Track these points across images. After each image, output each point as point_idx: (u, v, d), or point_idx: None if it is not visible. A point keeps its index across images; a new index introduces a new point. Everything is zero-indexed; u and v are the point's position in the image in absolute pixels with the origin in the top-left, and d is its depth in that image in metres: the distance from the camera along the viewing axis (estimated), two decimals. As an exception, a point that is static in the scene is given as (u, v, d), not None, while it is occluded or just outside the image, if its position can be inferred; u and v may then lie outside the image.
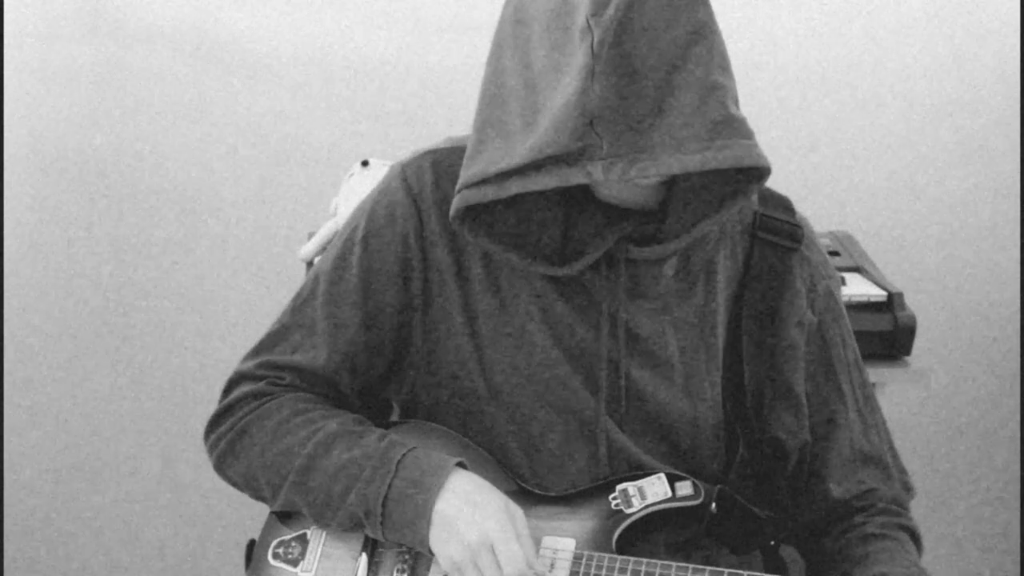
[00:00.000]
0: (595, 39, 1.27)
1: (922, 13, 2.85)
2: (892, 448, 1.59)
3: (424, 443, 1.46)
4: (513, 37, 1.37)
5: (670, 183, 1.44)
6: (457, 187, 1.38)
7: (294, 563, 1.47)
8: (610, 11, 1.28)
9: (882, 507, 1.54)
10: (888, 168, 2.87)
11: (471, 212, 1.41)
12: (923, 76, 2.86)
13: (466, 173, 1.37)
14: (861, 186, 2.85)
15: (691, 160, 1.29)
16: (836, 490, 1.53)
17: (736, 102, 1.35)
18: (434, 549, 1.36)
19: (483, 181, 1.35)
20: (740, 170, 1.39)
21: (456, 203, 1.38)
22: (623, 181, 1.31)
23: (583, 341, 1.47)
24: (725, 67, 1.34)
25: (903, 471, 1.59)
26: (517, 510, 1.39)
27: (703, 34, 1.32)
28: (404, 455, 1.41)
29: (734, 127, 1.31)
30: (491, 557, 1.34)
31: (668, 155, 1.28)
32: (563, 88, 1.30)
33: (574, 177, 1.30)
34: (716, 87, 1.31)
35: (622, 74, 1.28)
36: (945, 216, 2.88)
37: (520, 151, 1.32)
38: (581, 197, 1.45)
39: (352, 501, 1.40)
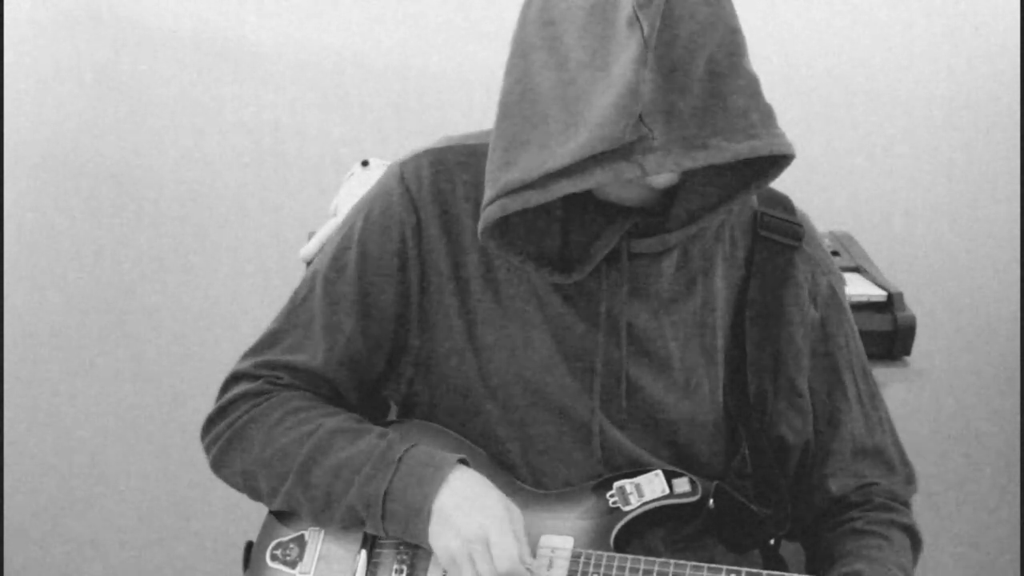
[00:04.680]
0: (645, 29, 1.27)
1: (922, 13, 2.85)
2: (896, 442, 1.59)
3: (422, 442, 1.46)
4: (541, 38, 1.35)
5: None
6: (489, 197, 1.35)
7: (292, 564, 1.47)
8: (657, 1, 1.27)
9: (879, 502, 1.54)
10: (888, 168, 2.87)
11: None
12: (923, 76, 2.86)
13: (503, 179, 1.33)
14: (861, 186, 2.85)
15: (741, 148, 1.30)
16: (835, 485, 1.53)
17: None
18: (431, 543, 1.37)
19: (524, 187, 1.32)
20: (753, 162, 1.40)
21: (493, 212, 1.34)
22: (675, 171, 1.31)
23: (581, 340, 1.47)
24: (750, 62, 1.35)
25: (907, 464, 1.58)
26: (515, 509, 1.39)
27: (737, 29, 1.33)
28: (405, 452, 1.41)
29: (774, 118, 1.33)
30: (486, 551, 1.35)
31: (720, 143, 1.29)
32: (610, 82, 1.28)
33: (628, 171, 1.28)
34: (757, 80, 1.33)
35: (672, 64, 1.28)
36: (945, 216, 2.88)
37: (564, 151, 1.29)
38: (580, 199, 1.45)
39: (353, 497, 1.40)
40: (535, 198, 1.31)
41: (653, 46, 1.27)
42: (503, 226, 1.41)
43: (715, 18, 1.30)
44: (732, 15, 1.34)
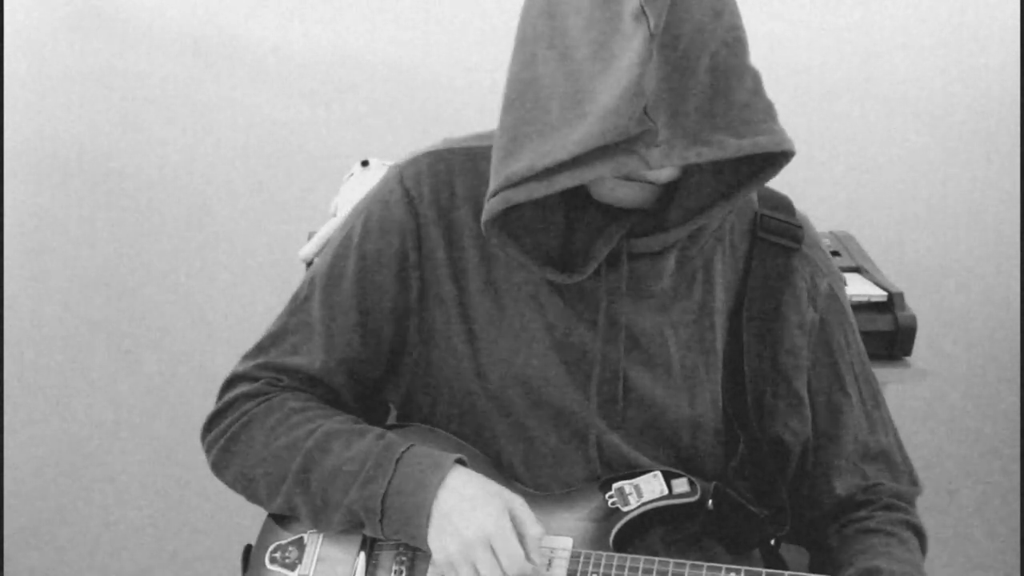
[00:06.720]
0: (651, 23, 1.26)
1: (922, 13, 2.84)
2: (899, 443, 1.59)
3: (422, 444, 1.46)
4: (545, 30, 1.35)
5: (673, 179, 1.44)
6: (493, 189, 1.34)
7: (291, 567, 1.47)
8: None
9: (887, 502, 1.53)
10: (888, 168, 2.87)
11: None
12: (923, 76, 2.86)
13: (506, 172, 1.33)
14: (861, 186, 2.85)
15: (745, 144, 1.30)
16: (840, 487, 1.53)
17: None
18: (430, 546, 1.37)
19: (528, 179, 1.31)
20: (751, 159, 1.40)
21: (496, 204, 1.34)
22: (679, 165, 1.31)
23: (580, 342, 1.47)
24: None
25: (910, 466, 1.58)
26: (517, 499, 1.38)
27: (739, 26, 1.34)
28: (403, 453, 1.41)
29: (774, 114, 1.34)
30: (489, 555, 1.34)
31: (724, 139, 1.29)
32: (615, 75, 1.28)
33: (630, 164, 1.28)
34: (759, 76, 1.34)
35: (677, 59, 1.28)
36: (945, 216, 2.88)
37: (568, 143, 1.29)
38: (581, 200, 1.45)
39: (351, 499, 1.40)
40: (539, 190, 1.31)
41: (659, 40, 1.27)
42: (506, 222, 1.41)
43: (719, 14, 1.31)
44: (735, 12, 1.34)
